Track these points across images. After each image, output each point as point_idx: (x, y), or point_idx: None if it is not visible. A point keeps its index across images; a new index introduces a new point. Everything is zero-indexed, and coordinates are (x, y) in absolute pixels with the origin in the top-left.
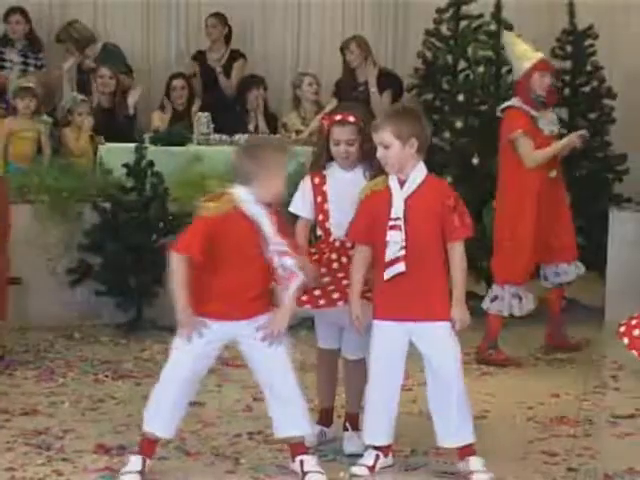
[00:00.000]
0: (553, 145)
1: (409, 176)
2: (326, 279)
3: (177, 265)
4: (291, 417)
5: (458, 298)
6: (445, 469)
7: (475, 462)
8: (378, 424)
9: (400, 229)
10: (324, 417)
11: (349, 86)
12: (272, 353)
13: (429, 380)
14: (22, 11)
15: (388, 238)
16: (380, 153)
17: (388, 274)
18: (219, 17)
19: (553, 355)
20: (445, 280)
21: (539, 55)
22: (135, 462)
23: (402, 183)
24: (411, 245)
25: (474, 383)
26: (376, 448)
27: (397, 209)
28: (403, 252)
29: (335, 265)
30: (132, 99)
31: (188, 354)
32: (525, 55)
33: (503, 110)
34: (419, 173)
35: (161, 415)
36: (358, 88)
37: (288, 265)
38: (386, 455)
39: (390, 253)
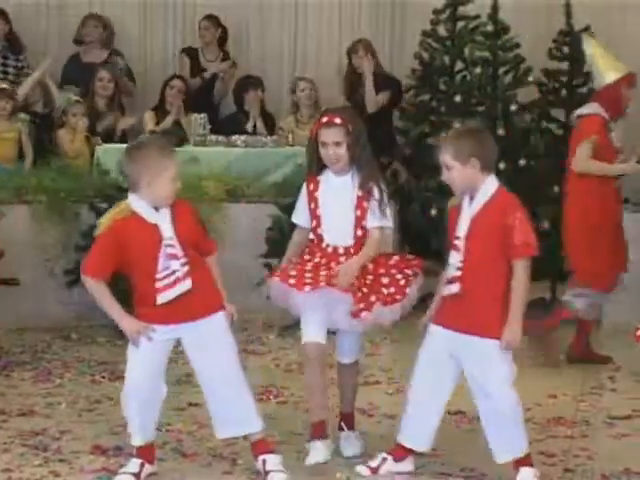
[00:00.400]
0: (616, 167)
1: (476, 194)
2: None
3: (93, 288)
4: (237, 416)
5: (512, 318)
6: (443, 470)
7: (525, 474)
8: (418, 428)
9: (459, 250)
10: (318, 430)
11: (352, 88)
12: (216, 353)
13: (476, 396)
14: (2, 12)
15: (449, 258)
16: (444, 175)
17: (445, 291)
18: (212, 19)
19: None
20: (500, 301)
21: (628, 68)
22: (133, 464)
23: (470, 199)
24: (470, 264)
25: (518, 397)
26: (390, 453)
27: (461, 229)
28: (459, 273)
29: (322, 270)
30: (123, 124)
31: (141, 355)
32: (614, 65)
33: (579, 116)
34: (487, 191)
35: (133, 420)
36: (359, 90)
37: (172, 268)
38: (401, 459)
39: (448, 273)
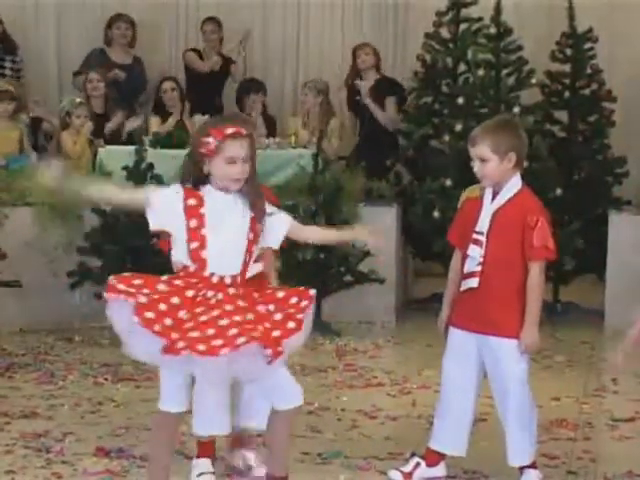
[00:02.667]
0: None
1: (502, 190)
2: (203, 318)
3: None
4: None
5: (528, 320)
6: (447, 472)
7: (529, 476)
8: (451, 432)
9: (481, 245)
10: None
11: (353, 89)
12: None
13: (496, 395)
14: None
15: (469, 252)
16: (476, 167)
17: (463, 286)
18: (216, 22)
19: (553, 358)
20: (518, 300)
21: None
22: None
23: (495, 195)
24: (490, 261)
25: (533, 405)
26: (422, 457)
27: (482, 223)
28: (479, 268)
29: (214, 303)
30: (129, 126)
31: None
32: None
33: None
34: (512, 187)
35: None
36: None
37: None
38: (433, 465)
39: (468, 267)
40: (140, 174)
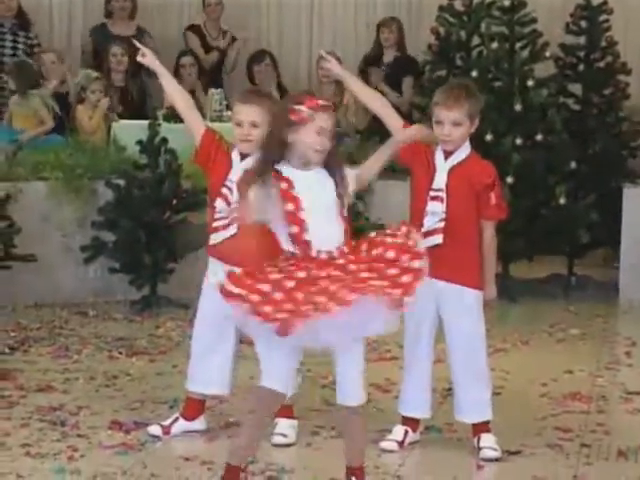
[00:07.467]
0: None
1: (456, 150)
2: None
3: None
4: None
5: (488, 278)
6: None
7: (487, 439)
8: (412, 395)
9: (442, 201)
10: None
11: (374, 64)
12: None
13: (449, 350)
14: None
15: (428, 208)
16: (446, 130)
17: (425, 244)
18: None
19: (567, 331)
20: (478, 254)
21: None
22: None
23: (446, 154)
24: (452, 216)
25: (488, 360)
26: (404, 423)
27: (439, 181)
28: (442, 224)
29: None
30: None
31: None
32: None
33: None
34: (466, 149)
35: None
36: (381, 67)
37: None
38: (414, 431)
39: (429, 224)
40: (154, 148)
